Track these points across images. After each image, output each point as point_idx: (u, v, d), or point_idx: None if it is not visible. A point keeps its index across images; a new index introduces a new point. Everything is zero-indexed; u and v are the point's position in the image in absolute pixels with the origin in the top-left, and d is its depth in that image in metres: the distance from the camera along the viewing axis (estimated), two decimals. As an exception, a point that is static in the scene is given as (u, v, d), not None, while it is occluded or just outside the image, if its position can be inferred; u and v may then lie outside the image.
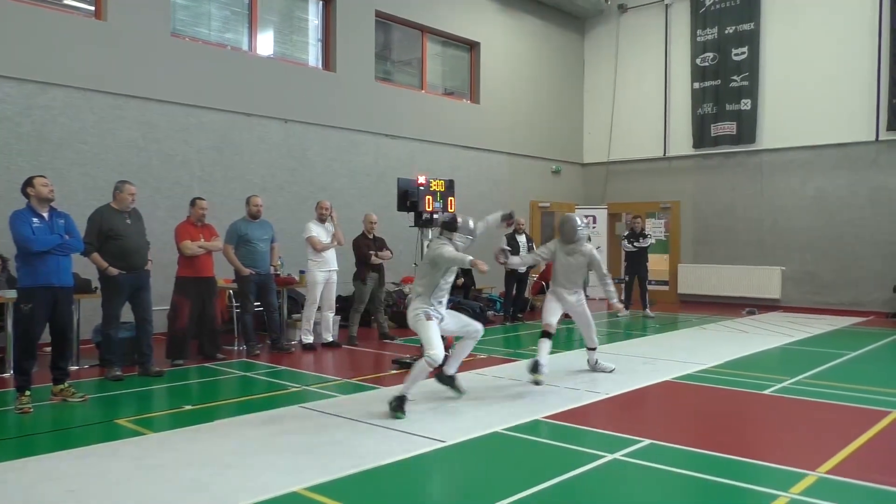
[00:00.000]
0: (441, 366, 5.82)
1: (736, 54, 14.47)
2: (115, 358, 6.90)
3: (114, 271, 6.75)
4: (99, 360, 7.13)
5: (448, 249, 5.71)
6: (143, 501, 3.63)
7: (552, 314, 6.96)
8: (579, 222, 7.06)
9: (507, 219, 6.65)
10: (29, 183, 5.78)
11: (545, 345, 6.69)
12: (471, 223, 5.97)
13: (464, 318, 6.17)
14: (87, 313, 7.78)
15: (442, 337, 5.73)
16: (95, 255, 6.73)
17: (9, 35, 8.25)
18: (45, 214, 5.78)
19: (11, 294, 6.52)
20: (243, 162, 10.51)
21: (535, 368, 6.43)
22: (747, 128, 14.33)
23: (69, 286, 5.94)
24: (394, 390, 6.30)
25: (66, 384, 5.95)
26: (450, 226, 5.92)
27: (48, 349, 6.09)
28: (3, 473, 4.09)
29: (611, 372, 7.14)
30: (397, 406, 5.36)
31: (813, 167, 13.68)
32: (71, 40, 8.75)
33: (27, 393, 5.64)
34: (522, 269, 11.44)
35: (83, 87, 8.86)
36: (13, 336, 6.66)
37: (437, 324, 5.68)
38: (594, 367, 7.24)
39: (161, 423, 5.28)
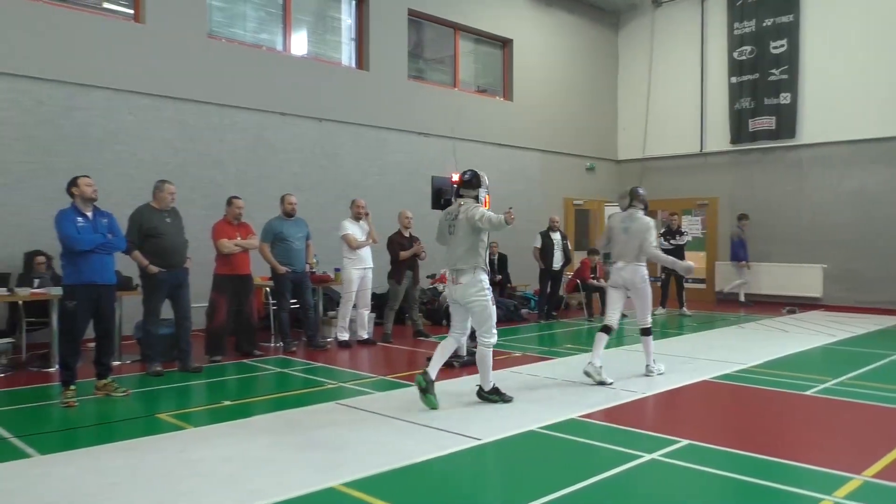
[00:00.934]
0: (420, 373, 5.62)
1: (774, 47, 14.19)
2: (155, 354, 7.03)
3: (154, 269, 6.87)
4: (140, 355, 7.27)
5: (484, 210, 5.64)
6: (183, 495, 3.69)
7: (616, 311, 6.91)
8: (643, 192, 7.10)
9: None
10: (73, 183, 5.91)
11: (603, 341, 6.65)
12: (485, 178, 5.89)
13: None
14: (129, 310, 7.94)
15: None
16: (136, 252, 6.85)
17: (51, 38, 8.45)
18: (89, 214, 5.91)
19: (57, 291, 6.68)
20: (277, 161, 10.62)
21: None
22: (786, 122, 14.04)
23: (112, 284, 6.07)
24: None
25: (108, 379, 6.09)
26: (473, 182, 5.79)
27: (92, 345, 6.22)
28: (49, 465, 4.20)
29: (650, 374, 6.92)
30: (500, 395, 5.67)
31: (854, 162, 13.36)
32: (111, 43, 8.93)
33: (72, 387, 5.78)
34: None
35: (122, 89, 9.04)
36: (58, 332, 6.84)
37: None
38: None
39: (200, 419, 5.36)
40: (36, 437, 4.82)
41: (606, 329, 6.69)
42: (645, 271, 6.84)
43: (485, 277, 5.62)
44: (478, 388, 5.79)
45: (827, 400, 6.02)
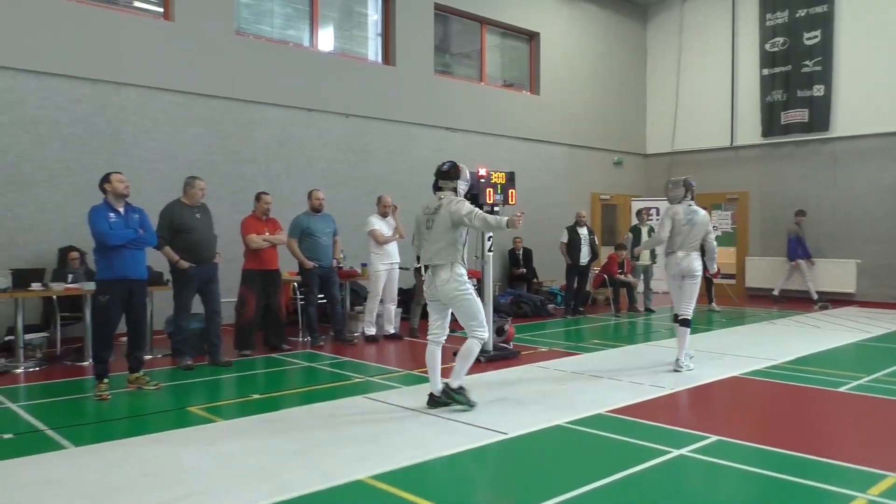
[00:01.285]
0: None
1: (808, 38, 13.92)
2: (185, 348, 7.13)
3: (184, 264, 6.96)
4: (171, 350, 7.38)
5: (475, 208, 5.27)
6: (212, 486, 3.74)
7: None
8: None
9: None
10: (106, 179, 6.01)
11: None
12: (467, 171, 5.58)
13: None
14: (160, 305, 8.06)
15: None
16: (167, 248, 6.95)
17: (84, 37, 8.59)
18: (121, 209, 6.00)
19: (90, 286, 6.80)
20: (305, 156, 10.69)
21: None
22: (820, 115, 13.77)
23: (143, 278, 6.16)
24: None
25: (140, 372, 6.19)
26: (451, 173, 5.43)
27: (124, 339, 6.33)
28: (83, 456, 4.29)
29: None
30: (464, 398, 5.28)
31: (890, 155, 13.05)
32: (141, 41, 9.06)
33: (105, 380, 5.88)
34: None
35: (153, 86, 9.17)
36: (91, 326, 6.98)
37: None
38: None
39: (230, 412, 5.43)
40: (70, 429, 4.92)
41: (686, 322, 6.87)
42: (700, 262, 6.95)
43: (463, 271, 5.30)
44: (443, 387, 5.34)
45: (861, 397, 5.91)
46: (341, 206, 10.47)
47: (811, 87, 13.87)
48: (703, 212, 7.04)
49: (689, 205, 7.03)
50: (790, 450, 4.39)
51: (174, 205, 7.15)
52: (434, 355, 5.40)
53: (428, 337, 5.49)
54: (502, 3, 13.52)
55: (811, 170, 14.05)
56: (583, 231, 11.43)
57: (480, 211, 5.28)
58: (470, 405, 5.29)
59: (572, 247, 11.34)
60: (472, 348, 5.31)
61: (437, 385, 5.37)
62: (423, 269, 5.47)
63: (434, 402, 5.34)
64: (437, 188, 5.50)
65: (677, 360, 6.88)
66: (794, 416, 5.40)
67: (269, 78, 10.23)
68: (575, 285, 11.49)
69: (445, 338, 5.49)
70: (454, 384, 5.33)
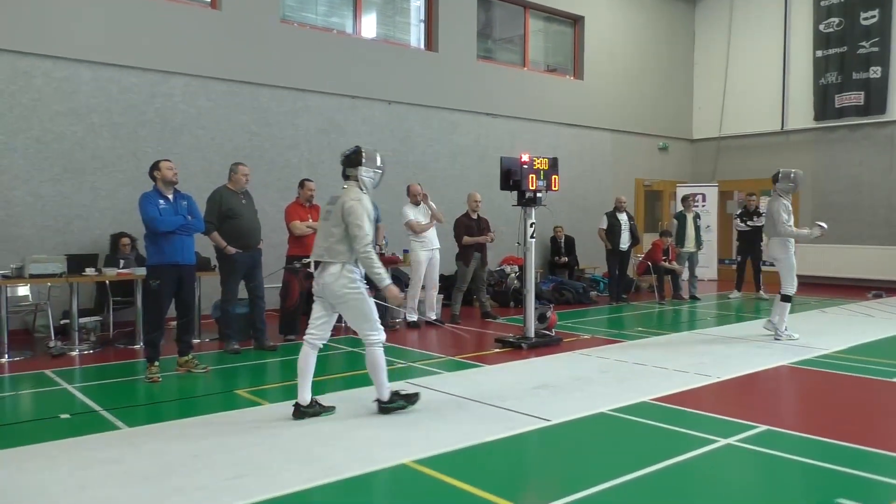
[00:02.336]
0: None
1: (865, 18, 13.43)
2: (233, 333, 7.27)
3: (231, 250, 7.09)
4: (218, 334, 7.53)
5: (360, 223, 4.57)
6: (261, 468, 3.82)
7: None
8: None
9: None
10: (156, 167, 6.14)
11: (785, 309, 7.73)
12: (378, 157, 4.93)
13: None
14: (207, 290, 8.23)
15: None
16: (216, 234, 7.09)
17: (133, 27, 8.77)
18: (170, 196, 6.13)
19: (141, 271, 6.98)
20: (348, 143, 10.58)
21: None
22: (877, 97, 13.31)
23: (192, 264, 6.29)
24: (496, 368, 6.35)
25: (189, 356, 6.33)
26: (352, 159, 4.81)
27: (174, 323, 6.49)
28: (137, 437, 4.42)
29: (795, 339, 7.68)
30: (401, 401, 4.85)
31: (951, 138, 12.57)
32: (189, 30, 9.21)
33: (156, 363, 6.03)
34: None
35: (200, 75, 9.32)
36: (142, 310, 7.17)
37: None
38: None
39: (275, 395, 5.53)
40: (123, 409, 5.08)
41: (788, 298, 7.68)
42: (783, 245, 7.65)
43: (357, 272, 4.69)
44: (376, 402, 4.85)
45: (917, 388, 5.73)
46: (384, 193, 10.42)
47: (867, 69, 13.41)
48: (775, 202, 7.75)
49: (773, 196, 7.85)
50: (841, 440, 4.29)
51: (221, 190, 7.27)
52: (307, 359, 4.74)
53: (305, 336, 4.81)
54: (546, -13, 13.34)
55: (866, 154, 13.60)
56: (622, 217, 11.27)
57: (367, 239, 4.57)
58: (411, 402, 4.89)
59: (612, 232, 11.20)
60: (375, 359, 4.71)
61: (304, 395, 4.72)
62: (312, 264, 4.87)
63: (300, 413, 4.70)
64: (344, 176, 4.89)
65: (778, 329, 7.72)
66: (846, 407, 5.27)
67: (313, 65, 10.31)
68: (617, 272, 11.36)
69: (323, 343, 4.84)
70: (385, 397, 4.81)
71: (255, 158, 9.45)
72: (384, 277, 4.67)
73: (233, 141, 9.60)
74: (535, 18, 13.60)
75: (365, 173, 4.84)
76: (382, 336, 4.78)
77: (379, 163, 4.93)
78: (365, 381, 5.89)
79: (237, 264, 7.18)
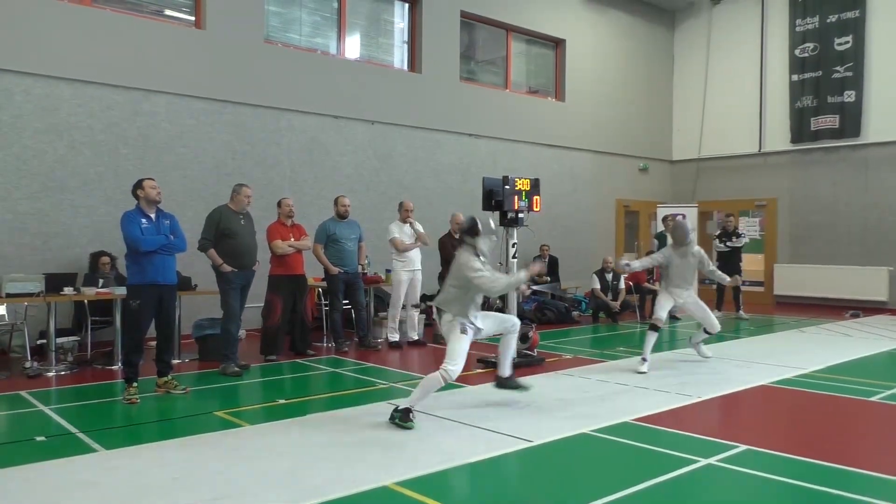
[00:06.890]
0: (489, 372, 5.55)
1: (839, 44, 13.74)
2: (232, 354, 7.14)
3: (227, 268, 7.08)
4: (219, 356, 7.28)
5: (477, 266, 5.17)
6: (241, 490, 3.78)
7: (663, 310, 7.53)
8: (689, 226, 7.69)
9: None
10: (139, 185, 6.10)
11: (652, 338, 7.34)
12: (491, 222, 5.48)
13: (498, 316, 5.93)
14: (188, 310, 8.16)
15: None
16: (212, 251, 7.08)
17: (117, 46, 8.75)
18: (153, 215, 6.09)
19: (121, 291, 6.91)
20: (331, 163, 10.77)
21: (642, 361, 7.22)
22: (851, 121, 13.58)
23: (173, 284, 6.24)
24: (479, 389, 6.34)
25: (169, 377, 6.26)
26: (472, 230, 5.38)
27: (153, 343, 6.41)
28: (114, 459, 4.35)
29: (706, 359, 7.76)
30: (403, 417, 4.97)
31: (924, 161, 12.83)
32: (173, 49, 9.21)
33: (134, 384, 5.95)
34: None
35: (183, 94, 9.30)
36: (122, 330, 7.08)
37: (471, 338, 5.27)
38: (695, 346, 7.89)
39: (256, 416, 5.47)
40: (101, 432, 5.00)
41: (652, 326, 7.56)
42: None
43: (458, 313, 5.25)
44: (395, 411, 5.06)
45: (893, 407, 5.80)
46: (367, 212, 10.53)
47: (842, 93, 13.69)
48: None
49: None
50: (821, 459, 4.32)
51: (222, 209, 7.28)
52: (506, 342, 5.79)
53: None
54: (528, 11, 13.52)
55: (842, 176, 13.84)
56: (608, 276, 11.55)
57: (480, 268, 5.19)
58: (404, 426, 4.96)
59: (602, 291, 11.62)
60: (435, 379, 5.09)
61: (503, 370, 5.78)
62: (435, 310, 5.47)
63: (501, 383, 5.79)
64: (460, 241, 5.57)
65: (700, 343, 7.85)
66: (825, 426, 5.32)
67: (297, 85, 10.34)
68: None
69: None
70: (406, 404, 5.08)
71: (238, 177, 9.41)
72: (518, 278, 5.36)
73: (215, 159, 9.57)
74: (517, 41, 13.76)
75: (482, 243, 5.36)
76: (454, 373, 5.05)
77: (493, 226, 5.45)
78: (348, 401, 5.87)
79: (233, 282, 7.16)
